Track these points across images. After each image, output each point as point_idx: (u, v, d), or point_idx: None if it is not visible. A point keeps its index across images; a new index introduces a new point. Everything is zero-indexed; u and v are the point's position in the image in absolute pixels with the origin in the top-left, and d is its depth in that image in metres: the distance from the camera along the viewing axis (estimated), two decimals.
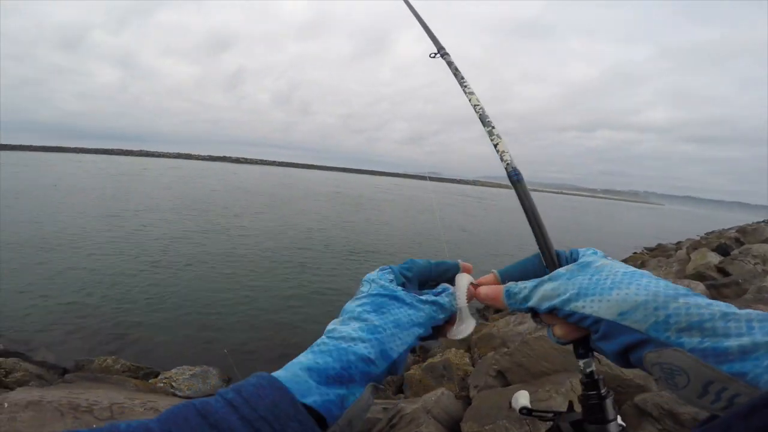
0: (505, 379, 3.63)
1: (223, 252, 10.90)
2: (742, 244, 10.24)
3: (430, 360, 4.68)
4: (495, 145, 0.57)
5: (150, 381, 4.37)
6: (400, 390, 4.46)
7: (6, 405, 2.34)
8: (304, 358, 0.36)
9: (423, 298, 0.46)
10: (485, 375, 3.72)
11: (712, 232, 21.45)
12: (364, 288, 0.45)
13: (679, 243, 18.12)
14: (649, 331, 0.31)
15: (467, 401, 3.44)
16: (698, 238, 16.76)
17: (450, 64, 0.72)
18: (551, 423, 0.53)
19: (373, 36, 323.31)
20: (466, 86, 0.67)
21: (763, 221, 23.92)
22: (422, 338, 0.44)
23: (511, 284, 0.45)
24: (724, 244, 9.61)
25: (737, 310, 0.29)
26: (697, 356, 0.28)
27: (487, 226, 23.57)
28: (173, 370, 4.56)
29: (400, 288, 0.45)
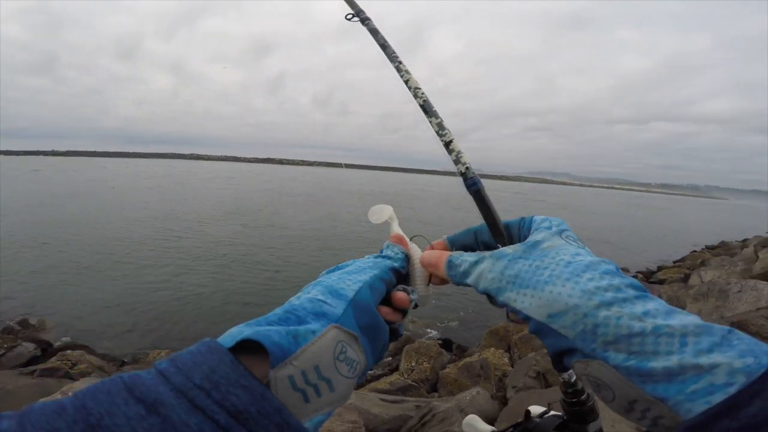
0: (546, 381, 3.49)
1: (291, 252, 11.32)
2: None
3: (466, 359, 4.60)
4: (448, 143, 0.44)
5: None
6: (434, 389, 4.41)
7: (71, 394, 2.55)
8: None
9: (365, 257, 0.45)
10: (524, 376, 3.59)
11: None
12: None
13: (745, 240, 16.64)
14: (576, 340, 0.29)
15: (503, 402, 3.33)
16: None
17: (374, 32, 0.55)
18: None
19: (407, 35, 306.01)
20: (398, 62, 0.51)
21: None
22: (387, 285, 0.41)
23: (455, 254, 0.41)
24: None
25: (673, 323, 0.25)
26: (622, 374, 0.26)
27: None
28: None
29: None
